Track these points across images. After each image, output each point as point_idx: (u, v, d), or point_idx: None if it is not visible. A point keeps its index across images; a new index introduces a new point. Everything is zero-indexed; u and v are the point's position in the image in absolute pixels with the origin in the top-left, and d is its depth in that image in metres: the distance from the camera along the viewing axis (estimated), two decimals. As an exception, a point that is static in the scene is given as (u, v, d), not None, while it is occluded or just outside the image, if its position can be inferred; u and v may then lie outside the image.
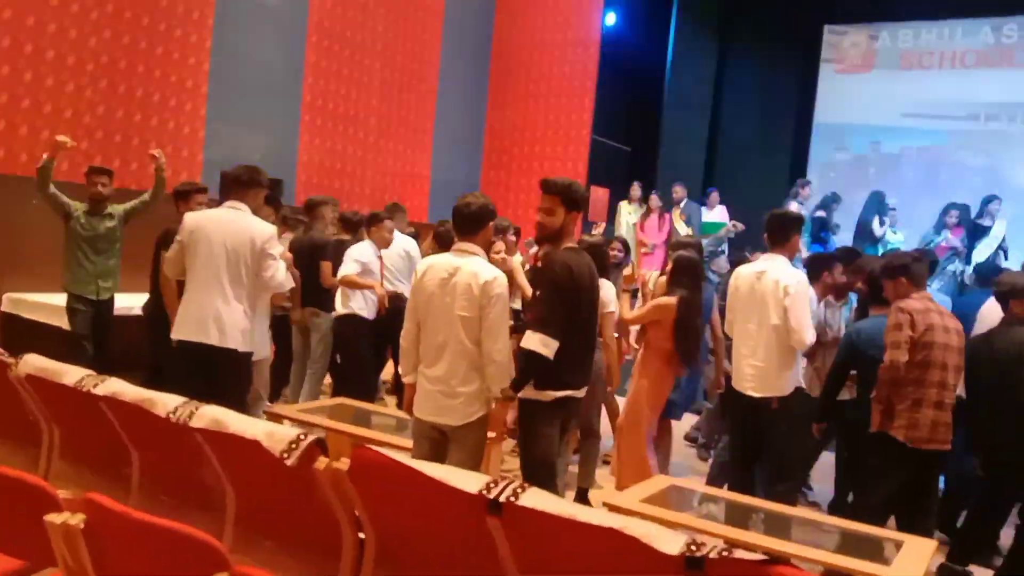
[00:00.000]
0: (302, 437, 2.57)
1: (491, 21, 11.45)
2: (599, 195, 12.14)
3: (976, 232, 9.18)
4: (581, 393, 3.82)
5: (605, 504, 3.66)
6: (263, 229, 4.31)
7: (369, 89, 9.75)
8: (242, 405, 4.37)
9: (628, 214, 11.07)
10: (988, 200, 9.35)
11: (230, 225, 4.27)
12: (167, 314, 4.93)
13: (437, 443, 3.59)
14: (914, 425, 3.98)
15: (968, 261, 9.02)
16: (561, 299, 3.58)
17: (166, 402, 2.86)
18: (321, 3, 8.99)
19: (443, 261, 3.59)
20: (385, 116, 10.00)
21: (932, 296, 4.29)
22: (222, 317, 4.21)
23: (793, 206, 9.70)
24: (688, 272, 4.88)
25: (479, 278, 3.45)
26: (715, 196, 11.07)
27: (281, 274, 4.36)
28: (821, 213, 10.20)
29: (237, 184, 4.38)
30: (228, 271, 4.23)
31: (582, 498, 4.89)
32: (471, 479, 2.35)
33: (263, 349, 4.94)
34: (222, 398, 4.25)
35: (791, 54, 12.94)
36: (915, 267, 4.27)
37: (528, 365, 3.54)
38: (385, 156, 10.07)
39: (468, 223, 3.58)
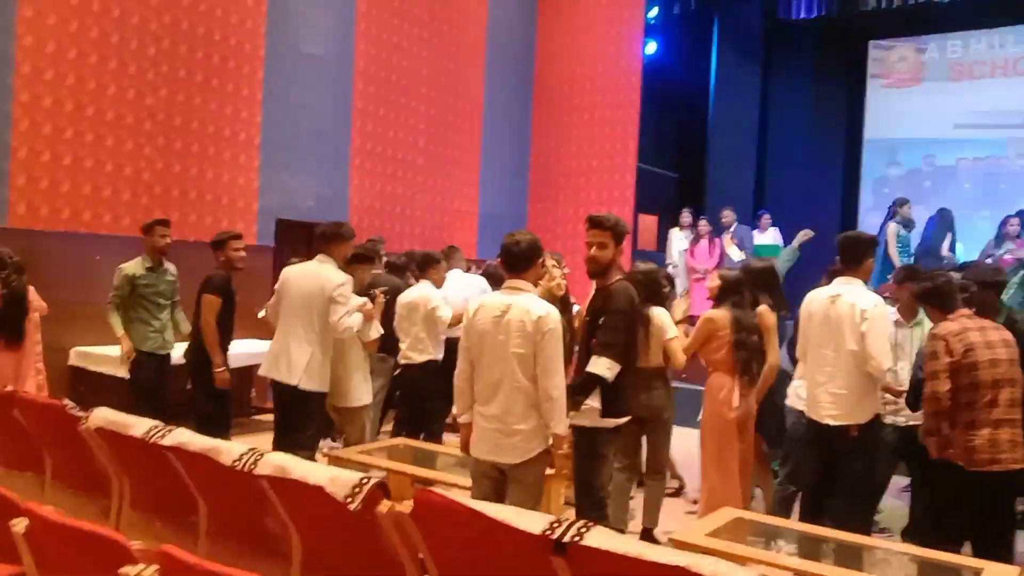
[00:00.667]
0: (364, 481, 2.59)
1: (532, 56, 11.58)
2: (648, 224, 12.11)
3: None
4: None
5: (671, 540, 3.59)
6: (333, 278, 4.75)
7: (416, 130, 9.92)
8: (307, 438, 4.81)
9: (679, 241, 10.99)
10: None
11: (308, 276, 4.83)
12: (209, 360, 5.21)
13: (497, 482, 3.58)
14: (971, 448, 3.81)
15: None
16: (627, 326, 3.83)
17: (231, 450, 2.91)
18: (366, 50, 9.21)
19: (495, 299, 3.61)
20: (432, 156, 10.15)
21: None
22: (291, 357, 4.74)
23: (892, 227, 9.43)
24: (735, 289, 4.81)
25: (532, 314, 3.45)
26: (766, 218, 10.92)
27: (348, 320, 4.74)
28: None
29: (322, 239, 4.93)
30: (302, 317, 4.77)
31: (647, 537, 4.78)
32: (534, 519, 2.33)
33: (363, 396, 5.18)
34: (289, 429, 4.81)
35: (837, 71, 12.79)
36: (938, 289, 4.09)
37: (588, 386, 3.75)
38: (434, 195, 10.20)
39: (518, 261, 3.61)
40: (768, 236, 10.75)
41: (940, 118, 11.96)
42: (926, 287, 4.15)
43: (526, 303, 3.50)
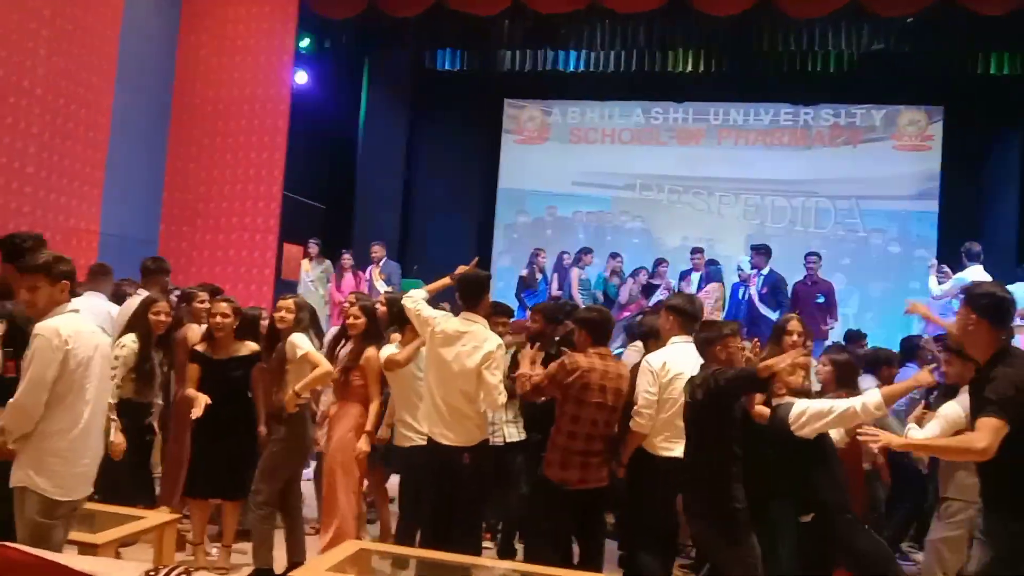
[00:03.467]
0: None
1: (171, 74, 10.86)
2: (293, 253, 11.91)
3: (649, 290, 10.34)
4: None
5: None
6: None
7: (27, 135, 8.73)
8: None
9: (305, 271, 10.94)
10: (658, 262, 10.60)
11: None
12: None
13: None
14: (566, 470, 4.30)
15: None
16: None
17: None
18: (-35, 37, 7.95)
19: None
20: (46, 165, 9.00)
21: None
22: None
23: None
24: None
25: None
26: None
27: None
28: (525, 272, 10.91)
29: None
30: None
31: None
32: (128, 569, 2.14)
33: None
34: None
35: (476, 123, 13.75)
36: (597, 324, 4.55)
37: None
38: (45, 209, 9.03)
39: None
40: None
41: (561, 174, 13.45)
42: (592, 318, 4.58)
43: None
